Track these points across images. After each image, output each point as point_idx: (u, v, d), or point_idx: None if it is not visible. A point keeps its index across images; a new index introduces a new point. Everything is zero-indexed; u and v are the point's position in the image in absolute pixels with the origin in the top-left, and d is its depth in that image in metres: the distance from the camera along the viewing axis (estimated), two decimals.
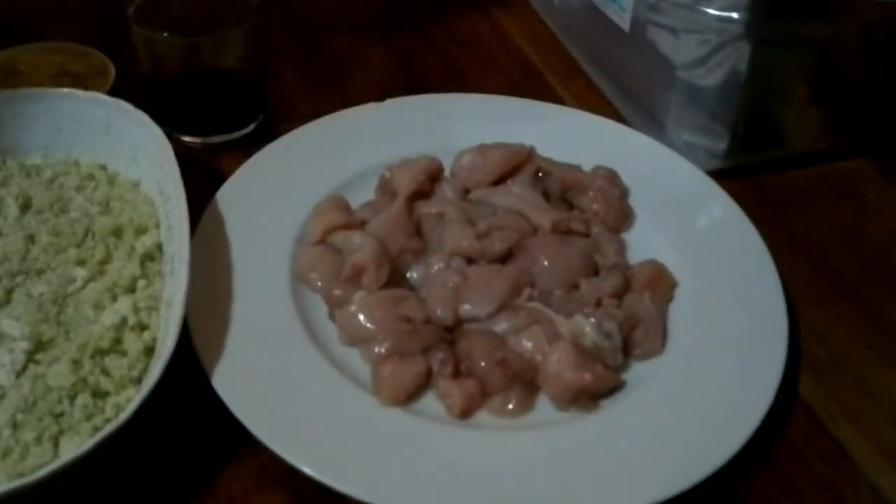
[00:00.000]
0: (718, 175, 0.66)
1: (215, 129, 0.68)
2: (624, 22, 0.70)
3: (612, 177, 0.64)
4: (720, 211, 0.63)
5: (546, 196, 0.62)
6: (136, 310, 0.49)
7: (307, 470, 0.45)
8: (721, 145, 0.68)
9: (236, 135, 0.68)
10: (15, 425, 0.43)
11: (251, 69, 0.68)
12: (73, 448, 0.42)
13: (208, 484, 0.46)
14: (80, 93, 0.60)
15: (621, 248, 0.60)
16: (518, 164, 0.64)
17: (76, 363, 0.46)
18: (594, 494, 0.45)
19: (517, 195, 0.62)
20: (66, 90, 0.61)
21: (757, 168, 0.70)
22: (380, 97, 0.70)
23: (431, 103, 0.71)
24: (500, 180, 0.63)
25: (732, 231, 0.61)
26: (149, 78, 0.66)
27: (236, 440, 0.48)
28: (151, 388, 0.42)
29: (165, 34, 0.63)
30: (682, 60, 0.66)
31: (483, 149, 0.64)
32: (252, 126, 0.69)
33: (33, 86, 0.63)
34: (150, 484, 0.47)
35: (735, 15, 0.63)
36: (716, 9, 0.63)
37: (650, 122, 0.72)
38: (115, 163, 0.59)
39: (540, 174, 0.63)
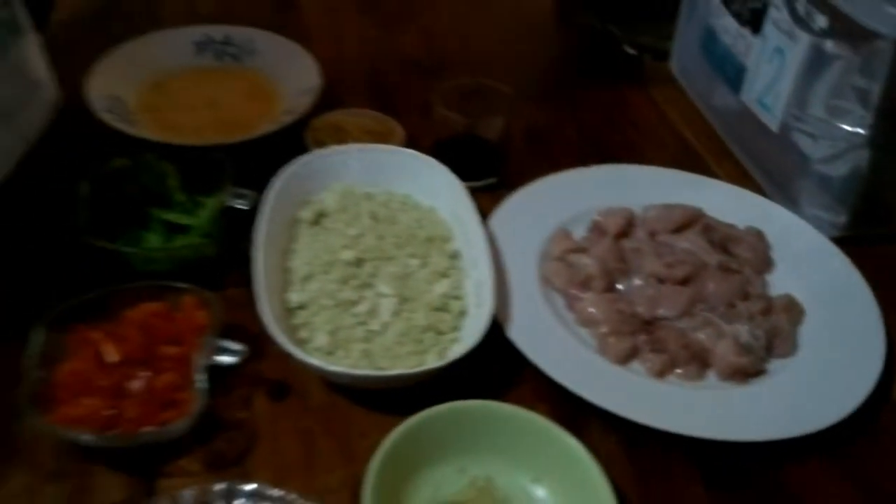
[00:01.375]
0: (838, 241, 0.78)
1: (474, 176, 0.83)
2: (773, 125, 0.82)
3: (759, 235, 0.80)
4: (838, 266, 0.77)
5: (711, 244, 0.77)
6: (453, 287, 0.70)
7: (567, 384, 0.64)
8: (842, 219, 0.80)
9: (486, 182, 0.85)
10: (397, 344, 0.65)
11: (501, 139, 0.85)
12: (432, 362, 0.63)
13: (499, 398, 0.62)
14: (398, 149, 0.80)
15: (765, 285, 0.76)
16: (692, 219, 0.80)
17: (426, 313, 0.67)
18: (738, 431, 0.63)
19: (691, 241, 0.77)
20: (391, 147, 0.80)
21: (870, 240, 0.81)
22: (578, 164, 0.85)
23: (621, 170, 0.87)
24: (678, 230, 0.79)
25: (847, 282, 0.75)
26: (438, 140, 0.84)
27: (516, 371, 0.66)
28: (484, 330, 0.62)
29: (454, 114, 0.82)
30: (817, 156, 0.78)
31: (668, 206, 0.81)
32: (496, 178, 0.86)
33: (354, 140, 0.81)
34: (463, 392, 0.61)
35: (862, 131, 0.75)
36: (847, 125, 0.75)
37: (786, 197, 0.83)
38: (417, 194, 0.78)
39: (706, 228, 0.79)
